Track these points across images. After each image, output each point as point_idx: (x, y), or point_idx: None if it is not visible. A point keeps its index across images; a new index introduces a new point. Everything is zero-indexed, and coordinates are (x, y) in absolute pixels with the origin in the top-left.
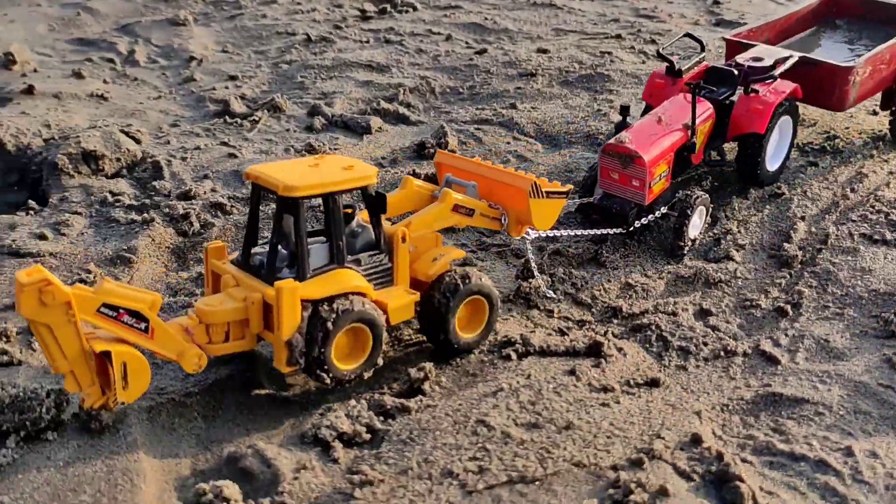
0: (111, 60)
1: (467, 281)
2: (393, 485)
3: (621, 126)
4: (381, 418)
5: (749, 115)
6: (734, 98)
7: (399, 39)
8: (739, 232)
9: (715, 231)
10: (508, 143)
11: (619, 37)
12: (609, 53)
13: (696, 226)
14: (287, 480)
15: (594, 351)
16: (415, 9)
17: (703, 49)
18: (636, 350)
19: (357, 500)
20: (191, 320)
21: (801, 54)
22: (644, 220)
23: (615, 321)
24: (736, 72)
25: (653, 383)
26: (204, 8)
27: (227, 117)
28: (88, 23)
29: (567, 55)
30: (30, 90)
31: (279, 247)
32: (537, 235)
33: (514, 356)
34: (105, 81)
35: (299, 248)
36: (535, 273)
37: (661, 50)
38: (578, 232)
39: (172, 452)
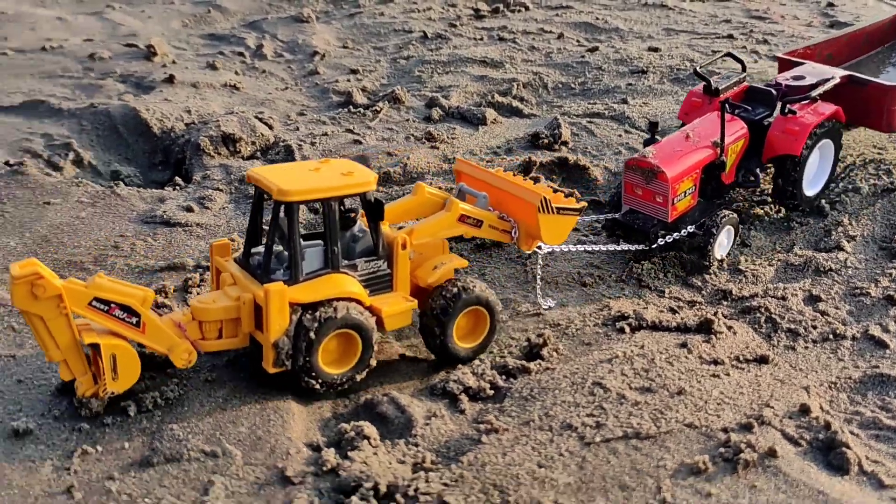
0: (241, 54)
1: (468, 290)
2: (516, 434)
3: (649, 142)
4: (504, 377)
5: (785, 137)
6: (771, 119)
7: (512, 37)
8: (850, 224)
9: (826, 223)
10: (620, 135)
11: (730, 37)
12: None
13: (723, 245)
14: (419, 425)
15: (705, 328)
16: (527, 8)
17: (744, 69)
18: (745, 330)
19: (484, 445)
20: (185, 316)
21: (849, 73)
22: (669, 238)
23: (725, 303)
24: (774, 91)
25: (762, 360)
26: (325, 7)
27: (350, 107)
28: (218, 19)
29: (678, 53)
30: (170, 79)
31: (278, 249)
32: (550, 250)
33: (627, 329)
34: (236, 73)
35: (292, 252)
36: (537, 285)
37: (698, 68)
38: (595, 248)
39: (315, 398)
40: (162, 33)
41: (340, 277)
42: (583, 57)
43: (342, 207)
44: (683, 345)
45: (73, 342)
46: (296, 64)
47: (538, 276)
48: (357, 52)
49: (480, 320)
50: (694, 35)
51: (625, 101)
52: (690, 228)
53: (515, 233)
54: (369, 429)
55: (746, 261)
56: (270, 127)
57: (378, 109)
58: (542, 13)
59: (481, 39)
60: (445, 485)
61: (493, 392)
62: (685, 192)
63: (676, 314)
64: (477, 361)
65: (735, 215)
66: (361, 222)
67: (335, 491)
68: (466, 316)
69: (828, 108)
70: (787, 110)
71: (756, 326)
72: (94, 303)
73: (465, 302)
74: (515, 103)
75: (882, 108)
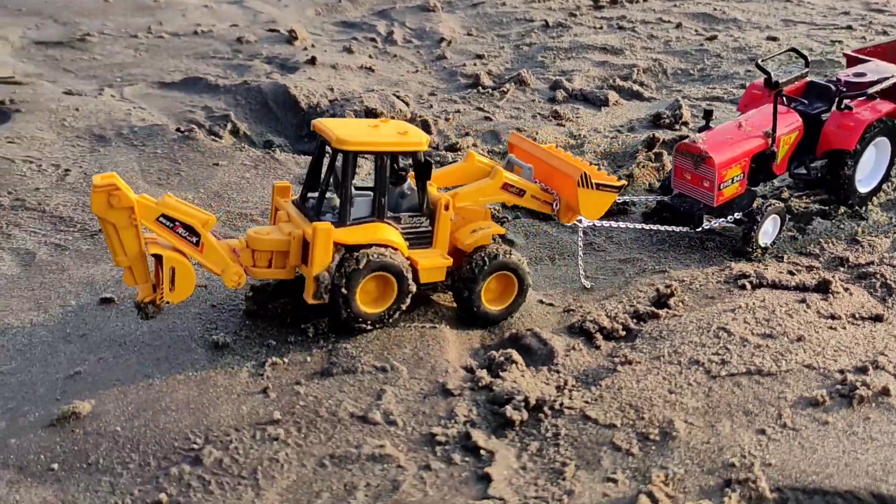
0: (373, 40)
1: (499, 256)
2: (648, 366)
3: (703, 129)
4: (635, 321)
5: (839, 132)
6: (828, 114)
7: (631, 26)
8: None
9: None
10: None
11: (849, 27)
12: (839, 42)
13: (768, 233)
14: (560, 356)
15: (822, 288)
16: (645, 0)
17: (807, 64)
18: (861, 292)
19: (619, 373)
20: (240, 244)
21: None
22: (714, 224)
23: (841, 269)
24: (833, 87)
25: (877, 318)
26: None
27: (479, 88)
28: (349, 9)
29: (797, 43)
30: (312, 61)
31: (331, 194)
32: (590, 224)
33: (748, 286)
34: (370, 56)
35: (343, 197)
36: (579, 260)
37: (759, 62)
38: (637, 226)
39: (466, 331)
40: (298, 20)
41: (383, 227)
42: (701, 45)
43: (396, 165)
44: (802, 301)
45: (139, 252)
46: (424, 49)
47: (580, 253)
48: (481, 39)
49: (510, 285)
50: (812, 26)
51: (743, 87)
52: (738, 215)
53: (557, 205)
54: (516, 355)
55: (863, 233)
56: (407, 104)
57: (505, 90)
58: (660, 4)
59: (601, 28)
60: (586, 402)
61: (625, 333)
62: (732, 179)
63: (795, 276)
64: (611, 305)
65: (781, 204)
66: (411, 180)
67: (490, 402)
68: (496, 280)
69: (885, 106)
70: (843, 105)
71: (871, 290)
72: (161, 219)
73: (493, 266)
74: (636, 87)
75: None
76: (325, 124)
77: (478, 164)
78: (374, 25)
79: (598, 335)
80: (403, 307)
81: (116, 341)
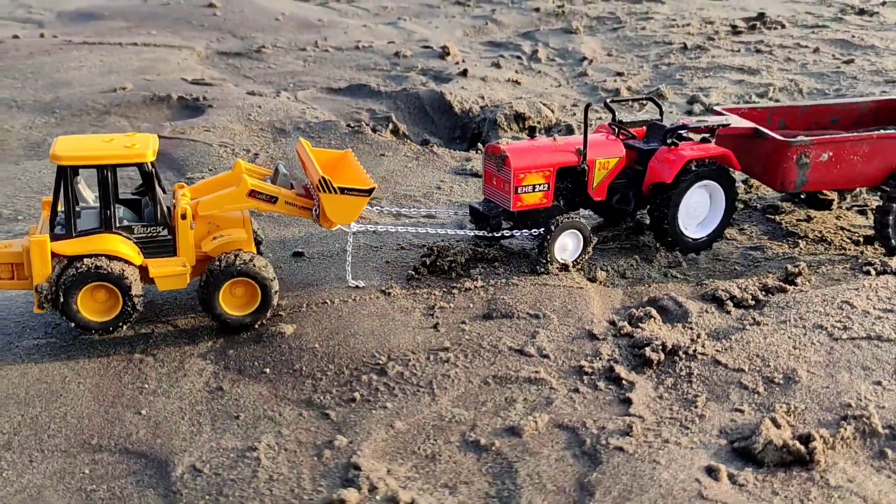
0: (518, 58)
1: (236, 263)
2: (774, 327)
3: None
4: (764, 293)
5: (661, 165)
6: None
7: (769, 50)
8: None
9: None
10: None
11: None
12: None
13: (566, 248)
14: (694, 316)
15: None
16: (783, 26)
17: (661, 115)
18: None
19: (747, 331)
20: None
21: (755, 126)
22: (507, 231)
23: None
24: (675, 131)
25: None
26: (589, 22)
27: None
28: (495, 31)
29: None
30: (464, 73)
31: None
32: (361, 230)
33: (872, 272)
34: (516, 72)
35: (66, 210)
36: (348, 258)
37: (608, 101)
38: (405, 230)
39: (608, 293)
40: (448, 40)
41: (110, 237)
42: (838, 68)
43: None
44: None
45: None
46: (567, 67)
47: (348, 255)
48: (621, 59)
49: (252, 291)
50: None
51: None
52: (533, 231)
53: (316, 210)
54: (654, 313)
55: None
56: (552, 111)
57: (644, 102)
58: (798, 31)
59: (738, 51)
60: (717, 351)
61: (753, 302)
62: (534, 187)
63: None
64: (741, 281)
65: (581, 222)
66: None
67: (631, 346)
68: (239, 286)
69: (713, 149)
70: (670, 141)
71: None
72: None
73: (229, 273)
74: (771, 104)
75: (777, 165)
76: (56, 141)
77: (240, 172)
78: (519, 45)
79: (729, 302)
80: (134, 313)
81: (309, 284)
